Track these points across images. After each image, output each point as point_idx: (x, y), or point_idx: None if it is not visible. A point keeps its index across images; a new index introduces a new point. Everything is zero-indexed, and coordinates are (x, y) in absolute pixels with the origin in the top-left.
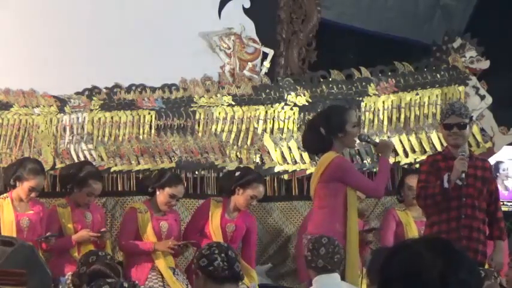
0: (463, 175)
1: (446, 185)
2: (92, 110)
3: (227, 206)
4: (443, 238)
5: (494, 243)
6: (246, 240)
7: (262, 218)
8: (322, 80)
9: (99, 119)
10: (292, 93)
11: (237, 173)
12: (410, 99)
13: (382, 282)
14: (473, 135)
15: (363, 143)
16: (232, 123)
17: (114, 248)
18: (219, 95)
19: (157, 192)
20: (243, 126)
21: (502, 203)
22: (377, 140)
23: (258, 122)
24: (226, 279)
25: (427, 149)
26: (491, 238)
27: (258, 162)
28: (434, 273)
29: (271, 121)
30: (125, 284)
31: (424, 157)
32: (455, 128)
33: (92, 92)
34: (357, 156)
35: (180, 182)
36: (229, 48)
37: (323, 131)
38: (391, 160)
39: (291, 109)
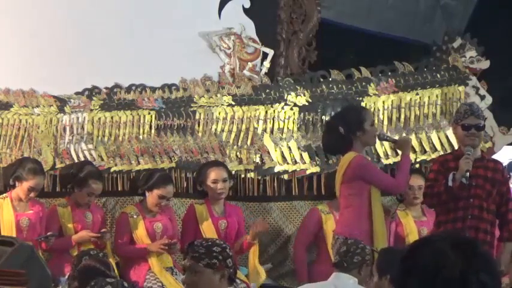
0: (468, 174)
1: (450, 183)
2: (92, 110)
3: (210, 205)
4: (469, 238)
5: (503, 245)
6: (238, 230)
7: (262, 218)
8: (322, 80)
9: (99, 119)
10: (292, 93)
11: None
12: (410, 99)
13: (401, 274)
14: None
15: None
16: (232, 123)
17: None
18: (219, 95)
19: (147, 194)
20: (243, 126)
21: None
22: (396, 138)
23: (258, 122)
24: (233, 281)
25: (427, 149)
26: (500, 240)
27: (258, 162)
28: (455, 271)
29: (271, 121)
30: (125, 284)
31: (424, 157)
32: (474, 129)
33: (92, 92)
34: None
35: (168, 182)
36: (229, 48)
37: (342, 130)
38: (392, 160)
39: (291, 109)
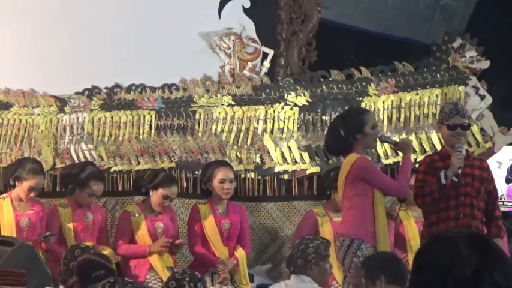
0: (460, 171)
1: (443, 181)
2: (92, 110)
3: (213, 205)
4: (484, 236)
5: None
6: (241, 229)
7: (262, 218)
8: (322, 80)
9: (99, 119)
10: (292, 93)
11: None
12: (410, 99)
13: (414, 270)
14: (473, 135)
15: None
16: (232, 123)
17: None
18: (219, 95)
19: (151, 193)
20: (243, 126)
21: (502, 203)
22: (397, 139)
23: (258, 122)
24: None
25: (427, 149)
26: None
27: (258, 162)
28: (468, 270)
29: (271, 121)
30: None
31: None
32: (459, 129)
33: (92, 92)
34: None
35: (173, 182)
36: (229, 48)
37: (342, 132)
38: (392, 160)
39: (291, 109)
